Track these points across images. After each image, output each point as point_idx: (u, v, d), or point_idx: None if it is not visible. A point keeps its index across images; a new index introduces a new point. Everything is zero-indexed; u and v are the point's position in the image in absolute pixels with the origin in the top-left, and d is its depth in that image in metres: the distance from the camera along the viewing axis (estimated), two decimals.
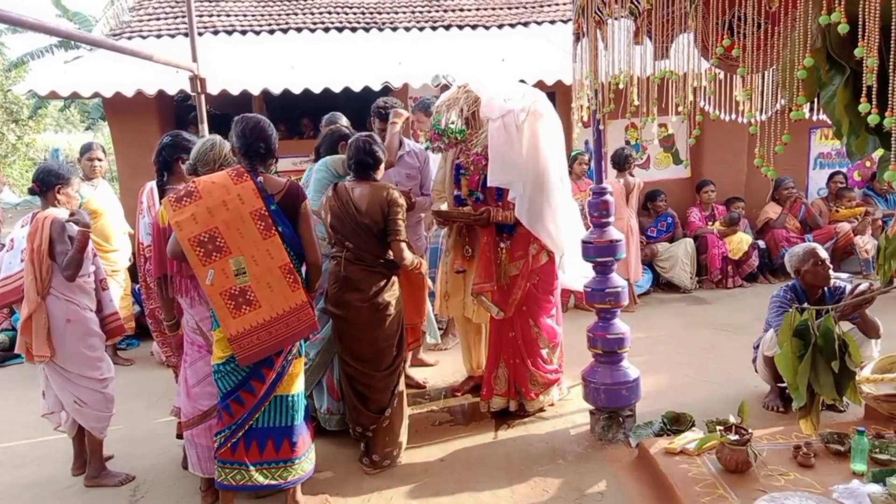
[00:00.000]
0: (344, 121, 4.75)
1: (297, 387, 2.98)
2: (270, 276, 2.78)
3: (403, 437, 3.56)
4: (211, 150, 3.15)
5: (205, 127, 4.80)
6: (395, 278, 3.47)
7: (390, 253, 3.40)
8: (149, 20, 8.39)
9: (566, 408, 4.08)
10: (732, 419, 3.10)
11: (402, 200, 3.39)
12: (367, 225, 3.30)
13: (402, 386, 3.56)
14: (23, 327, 3.33)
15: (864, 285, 3.60)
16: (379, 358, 3.40)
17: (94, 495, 3.42)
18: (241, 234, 2.75)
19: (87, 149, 5.40)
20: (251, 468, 2.88)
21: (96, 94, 6.67)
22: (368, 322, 3.34)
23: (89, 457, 3.52)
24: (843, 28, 1.63)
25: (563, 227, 3.89)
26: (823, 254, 3.80)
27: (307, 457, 3.03)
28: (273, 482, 2.91)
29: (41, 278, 3.29)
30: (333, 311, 3.41)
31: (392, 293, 3.43)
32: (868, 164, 7.59)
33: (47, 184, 3.44)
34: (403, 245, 3.35)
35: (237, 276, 2.74)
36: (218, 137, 3.22)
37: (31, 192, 3.51)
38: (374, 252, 3.35)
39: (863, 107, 1.63)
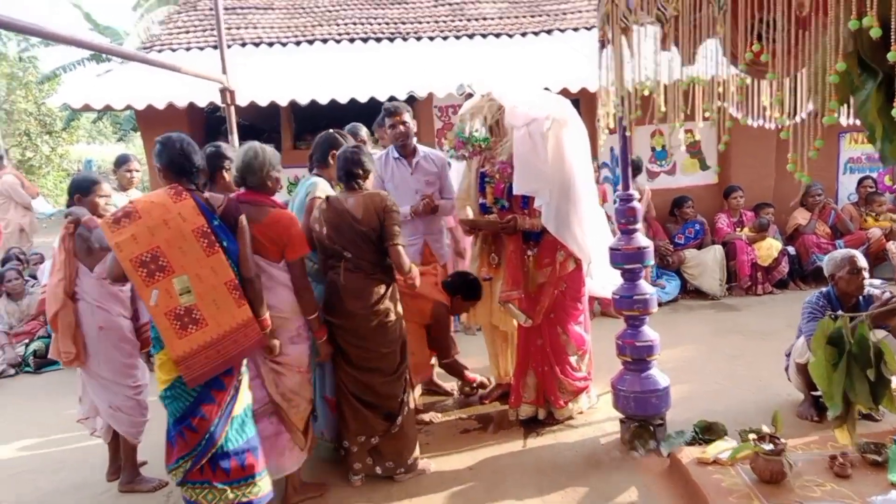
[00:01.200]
0: (364, 132, 4.78)
1: (244, 400, 2.91)
2: (216, 293, 2.73)
3: (417, 451, 3.53)
4: (255, 158, 3.08)
5: (235, 138, 4.88)
6: (394, 285, 3.49)
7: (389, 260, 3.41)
8: (178, 34, 8.55)
9: (595, 416, 4.06)
10: (766, 428, 3.06)
11: (396, 206, 3.40)
12: (364, 232, 3.32)
13: (411, 401, 3.57)
14: (51, 322, 3.41)
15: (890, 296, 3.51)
16: (383, 365, 3.41)
17: (128, 501, 3.49)
18: (183, 253, 2.70)
19: (124, 160, 5.49)
20: (220, 486, 2.80)
21: (129, 107, 6.83)
22: (370, 330, 3.35)
23: (123, 462, 3.59)
24: (875, 32, 1.61)
25: (590, 234, 3.87)
26: (862, 262, 3.71)
27: (266, 475, 2.94)
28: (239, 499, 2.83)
29: (69, 277, 3.37)
30: (333, 320, 3.40)
31: (392, 300, 3.45)
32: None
33: (71, 194, 3.58)
34: (401, 249, 3.35)
35: (181, 295, 2.68)
36: (258, 144, 3.14)
37: (70, 206, 3.59)
38: (372, 259, 3.37)
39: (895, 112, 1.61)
